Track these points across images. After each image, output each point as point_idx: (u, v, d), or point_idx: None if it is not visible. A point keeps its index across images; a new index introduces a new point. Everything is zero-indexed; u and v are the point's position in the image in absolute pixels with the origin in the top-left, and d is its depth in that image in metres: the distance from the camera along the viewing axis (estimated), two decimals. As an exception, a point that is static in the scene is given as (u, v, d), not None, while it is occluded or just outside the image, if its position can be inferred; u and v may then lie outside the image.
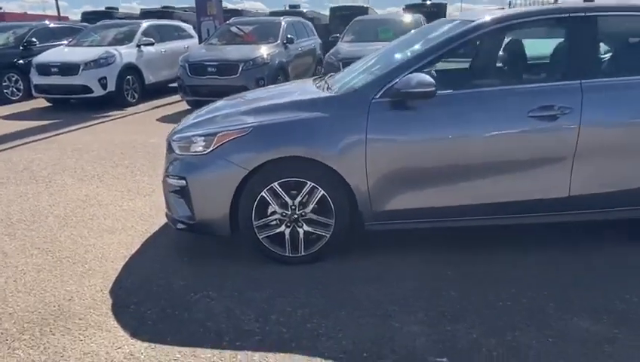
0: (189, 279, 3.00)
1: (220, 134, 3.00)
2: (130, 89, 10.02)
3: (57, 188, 4.88)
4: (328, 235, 3.07)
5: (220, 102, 3.83)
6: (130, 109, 9.47)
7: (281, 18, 10.63)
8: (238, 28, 10.50)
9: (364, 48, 8.84)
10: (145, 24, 11.01)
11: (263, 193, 2.99)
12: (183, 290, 2.87)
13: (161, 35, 11.22)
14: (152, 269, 3.15)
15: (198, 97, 9.03)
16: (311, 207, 3.03)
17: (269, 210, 3.08)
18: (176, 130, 3.36)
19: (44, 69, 9.60)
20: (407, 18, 10.17)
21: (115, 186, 4.88)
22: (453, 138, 2.93)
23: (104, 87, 9.52)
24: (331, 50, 9.26)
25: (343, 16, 19.31)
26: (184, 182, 3.07)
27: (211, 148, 3.01)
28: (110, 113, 9.09)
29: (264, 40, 9.72)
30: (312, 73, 11.01)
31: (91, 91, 9.47)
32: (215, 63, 8.82)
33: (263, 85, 8.60)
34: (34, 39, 11.10)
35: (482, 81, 3.06)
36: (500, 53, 3.40)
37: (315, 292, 2.80)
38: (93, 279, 3.05)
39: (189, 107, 9.34)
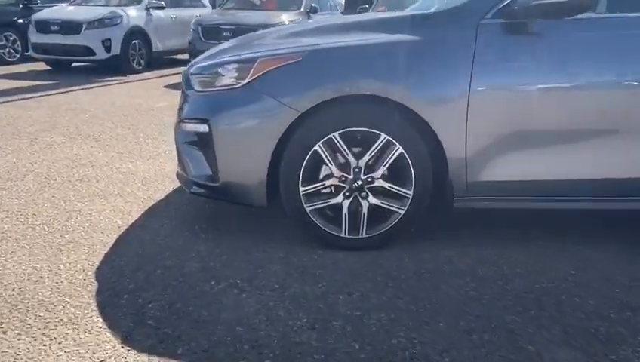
0: (208, 261, 2.15)
1: (262, 60, 2.13)
2: (137, 55, 9.11)
3: (44, 145, 4.02)
4: (402, 211, 2.20)
5: (255, 33, 2.95)
6: (135, 76, 8.58)
7: (303, -14, 9.72)
8: (258, -6, 9.59)
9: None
10: (156, -14, 10.10)
11: (317, 146, 2.12)
12: (200, 277, 2.02)
13: (172, 0, 10.32)
14: (156, 245, 2.29)
15: (212, 65, 8.18)
16: (382, 170, 2.16)
17: (323, 172, 2.21)
18: (197, 61, 2.49)
19: (44, 27, 8.70)
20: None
21: (113, 147, 4.01)
22: (600, 81, 2.06)
23: (108, 49, 8.62)
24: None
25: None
26: (206, 126, 2.20)
27: (247, 80, 2.14)
28: (114, 78, 8.21)
29: (286, 8, 8.83)
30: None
31: (94, 53, 8.58)
32: (231, 27, 7.92)
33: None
34: (36, -4, 10.21)
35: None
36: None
37: (391, 290, 1.94)
38: (73, 254, 2.20)
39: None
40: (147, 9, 9.41)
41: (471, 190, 2.19)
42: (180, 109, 2.40)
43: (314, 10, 8.91)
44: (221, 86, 2.21)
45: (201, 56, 2.61)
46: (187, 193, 2.41)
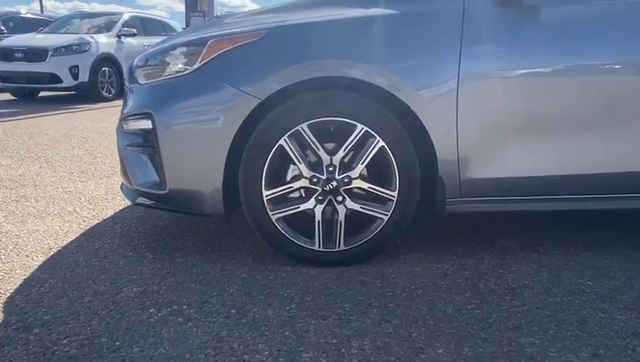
0: (151, 285, 1.75)
1: (215, 40, 1.79)
2: (107, 82, 8.78)
3: (-15, 167, 3.59)
4: (386, 217, 1.85)
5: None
6: (105, 104, 8.21)
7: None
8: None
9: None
10: (127, 15, 9.89)
11: (282, 141, 1.77)
12: (137, 304, 1.61)
13: (145, 28, 10.10)
14: (90, 268, 1.88)
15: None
16: (360, 168, 1.82)
17: (291, 173, 1.86)
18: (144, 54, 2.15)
19: (8, 54, 8.33)
20: None
21: (64, 168, 3.60)
22: (608, 62, 1.78)
23: (75, 77, 8.27)
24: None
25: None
26: (149, 122, 1.84)
27: (198, 65, 1.80)
28: (81, 106, 7.82)
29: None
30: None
31: (60, 81, 8.21)
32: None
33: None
34: (2, 27, 9.89)
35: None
36: None
37: (375, 311, 1.56)
38: (-16, 282, 1.78)
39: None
40: (118, 36, 9.16)
41: (466, 190, 1.86)
42: (123, 110, 2.04)
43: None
44: (169, 73, 1.87)
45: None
46: (138, 210, 2.04)
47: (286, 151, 1.78)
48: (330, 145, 1.82)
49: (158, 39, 10.22)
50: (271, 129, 1.76)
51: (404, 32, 1.77)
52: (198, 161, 1.81)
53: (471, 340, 1.41)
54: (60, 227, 2.34)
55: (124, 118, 2.00)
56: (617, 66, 1.81)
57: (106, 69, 8.72)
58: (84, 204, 2.71)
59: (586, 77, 1.80)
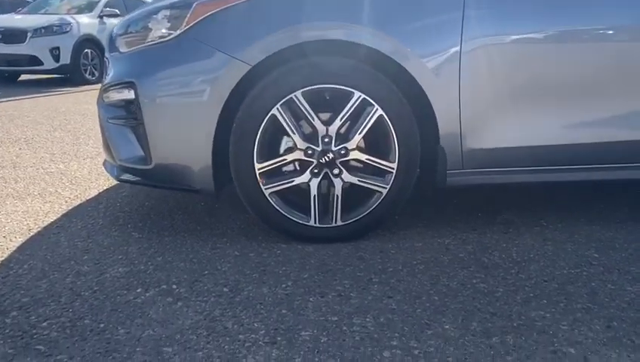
0: (138, 264, 1.64)
1: (200, 3, 1.66)
2: (89, 64, 8.53)
3: (-39, 150, 3.44)
4: (385, 190, 1.76)
5: None
6: (88, 87, 7.98)
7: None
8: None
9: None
10: (109, -6, 9.57)
11: (274, 110, 1.66)
12: (122, 284, 1.51)
13: (128, 8, 9.77)
14: (73, 248, 1.77)
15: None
16: (357, 139, 1.72)
17: (284, 145, 1.76)
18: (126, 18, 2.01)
19: (-15, 36, 8.05)
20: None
21: (45, 149, 3.46)
22: (614, 27, 1.69)
23: (57, 59, 8.02)
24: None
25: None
26: (132, 91, 1.72)
27: (182, 29, 1.68)
28: (64, 88, 7.59)
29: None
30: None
31: (41, 63, 7.95)
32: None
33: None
34: (-22, 8, 9.54)
35: None
36: None
37: (377, 287, 1.48)
38: (-43, 265, 1.67)
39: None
40: (100, 17, 8.88)
41: (469, 160, 1.77)
42: (103, 79, 1.92)
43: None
44: (153, 39, 1.74)
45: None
46: (124, 190, 1.93)
47: (279, 121, 1.68)
48: (325, 115, 1.72)
49: (141, 20, 10.00)
50: (262, 98, 1.66)
51: (401, -7, 1.66)
52: (185, 133, 1.70)
53: (478, 315, 1.33)
54: (40, 208, 2.22)
55: (104, 89, 1.87)
56: (623, 32, 1.72)
57: (89, 50, 8.45)
58: (67, 184, 2.59)
59: (593, 43, 1.72)
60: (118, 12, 9.17)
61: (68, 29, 8.19)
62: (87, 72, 8.48)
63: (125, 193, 2.39)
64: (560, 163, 1.83)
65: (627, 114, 1.79)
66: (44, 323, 1.30)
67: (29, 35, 7.90)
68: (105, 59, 1.99)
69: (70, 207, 2.23)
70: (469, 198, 2.21)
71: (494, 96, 1.72)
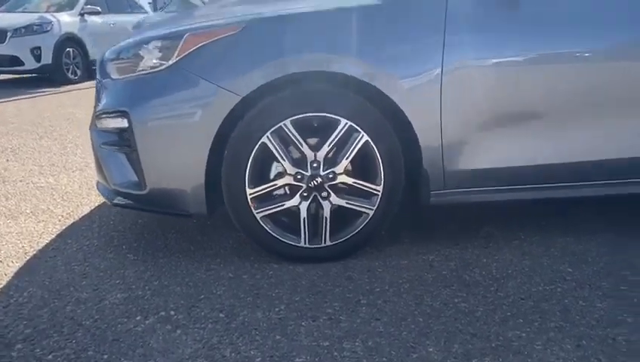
0: (136, 290, 1.71)
1: (191, 34, 1.72)
2: (72, 64, 8.44)
3: (-53, 162, 3.43)
4: (371, 212, 1.85)
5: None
6: (71, 87, 7.90)
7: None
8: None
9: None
10: (90, -9, 9.43)
11: (264, 138, 1.73)
12: (123, 311, 1.58)
13: (109, 5, 9.68)
14: (70, 273, 1.83)
15: (154, 71, 7.64)
16: (345, 163, 1.80)
17: (274, 170, 1.83)
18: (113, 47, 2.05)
19: (-37, 36, 7.91)
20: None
21: (33, 160, 3.47)
22: (589, 54, 1.79)
23: (38, 58, 7.91)
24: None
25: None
26: (125, 120, 1.77)
27: (174, 60, 1.73)
28: (46, 89, 7.51)
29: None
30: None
31: (22, 63, 7.84)
32: (174, 30, 7.42)
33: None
34: (-46, 7, 9.33)
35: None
36: None
37: (365, 309, 1.57)
38: (-43, 293, 1.71)
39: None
40: (81, 15, 8.77)
41: (451, 181, 1.86)
42: (96, 107, 1.96)
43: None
44: (144, 68, 1.79)
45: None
46: (117, 207, 1.97)
47: (269, 148, 1.75)
48: (313, 140, 1.80)
49: (123, 17, 9.87)
50: (253, 126, 1.72)
51: (386, 23, 1.73)
52: (178, 160, 1.76)
53: (460, 336, 1.43)
54: (34, 228, 2.26)
55: (97, 116, 1.92)
56: (598, 56, 1.82)
57: (70, 49, 8.36)
58: (58, 200, 2.63)
59: (569, 66, 1.81)
60: (99, 9, 9.07)
61: (49, 28, 8.09)
62: (70, 72, 8.40)
63: (117, 210, 2.43)
64: (538, 181, 1.93)
65: (601, 135, 1.89)
66: (50, 356, 1.36)
67: (9, 34, 7.78)
68: (97, 83, 2.03)
69: (64, 227, 2.28)
70: (451, 211, 2.31)
71: (475, 120, 1.80)
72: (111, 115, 1.83)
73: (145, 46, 1.80)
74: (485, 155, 1.85)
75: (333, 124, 1.75)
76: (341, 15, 1.73)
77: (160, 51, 1.76)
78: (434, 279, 1.76)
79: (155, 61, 1.77)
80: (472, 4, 1.75)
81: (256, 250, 1.93)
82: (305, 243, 1.85)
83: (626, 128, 1.88)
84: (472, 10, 1.74)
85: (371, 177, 1.83)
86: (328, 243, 1.86)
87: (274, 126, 1.72)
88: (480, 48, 1.77)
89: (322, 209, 1.83)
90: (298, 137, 1.75)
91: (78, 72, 8.56)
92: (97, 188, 2.13)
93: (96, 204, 2.56)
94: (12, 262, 1.93)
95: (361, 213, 1.85)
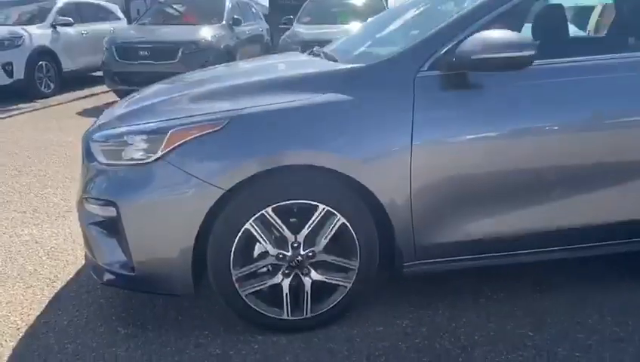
0: (128, 371, 1.81)
1: (175, 130, 1.81)
2: (45, 77, 8.32)
3: None
4: (349, 284, 1.99)
5: (156, 86, 2.62)
6: (44, 101, 7.81)
7: (225, -5, 9.29)
8: (174, 7, 9.08)
9: (325, 31, 7.80)
10: (61, 1, 9.26)
11: (248, 225, 1.85)
12: (118, 397, 1.68)
13: (81, 15, 9.54)
14: (62, 355, 1.91)
15: (129, 86, 7.56)
16: (323, 243, 1.93)
17: (257, 250, 1.94)
18: (98, 125, 2.13)
19: None
20: (367, 0, 9.16)
21: (13, 204, 3.50)
22: (545, 130, 1.94)
23: (10, 74, 7.79)
24: (287, 33, 8.07)
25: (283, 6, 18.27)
26: (114, 209, 1.86)
27: (159, 154, 1.82)
28: (20, 106, 7.41)
29: (207, 21, 8.39)
30: (261, 61, 9.82)
31: (-7, 80, 7.72)
32: (148, 46, 7.38)
33: (209, 72, 7.35)
34: None
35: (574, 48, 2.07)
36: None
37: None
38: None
39: (118, 98, 7.86)
40: (53, 26, 8.63)
41: (421, 254, 2.01)
42: (84, 186, 2.03)
43: (237, 23, 8.53)
44: (129, 160, 1.88)
45: (102, 118, 2.25)
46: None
47: (252, 233, 1.86)
48: (293, 220, 1.92)
49: (96, 25, 9.75)
50: (236, 215, 1.84)
51: (358, 118, 1.85)
52: (166, 247, 1.86)
53: (430, 417, 1.58)
54: (22, 295, 2.33)
55: (86, 198, 2.00)
56: (546, 136, 1.97)
57: (43, 63, 8.25)
58: (44, 259, 2.69)
59: (520, 146, 1.96)
60: (72, 20, 8.95)
61: (20, 43, 7.96)
62: (43, 85, 8.29)
63: (104, 270, 2.51)
64: (505, 249, 2.09)
65: (558, 206, 2.05)
66: None
67: (-21, 51, 7.64)
68: (82, 164, 2.10)
69: (52, 293, 2.35)
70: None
71: (442, 199, 1.95)
72: (99, 202, 1.91)
73: (132, 136, 1.88)
74: (453, 229, 1.99)
75: (312, 209, 1.87)
76: (317, 111, 1.84)
77: (146, 143, 1.85)
78: (407, 348, 1.91)
79: (141, 153, 1.85)
80: (437, 99, 1.89)
81: (243, 322, 2.04)
82: (288, 316, 1.97)
83: (581, 200, 2.05)
84: (437, 104, 1.87)
85: (348, 253, 1.96)
86: (310, 314, 1.99)
87: (256, 213, 1.84)
88: (444, 135, 1.91)
89: (303, 284, 1.95)
90: (279, 222, 1.87)
91: (52, 85, 8.46)
92: (85, 258, 2.21)
93: (82, 262, 2.63)
94: (6, 340, 2.00)
95: (338, 286, 1.99)
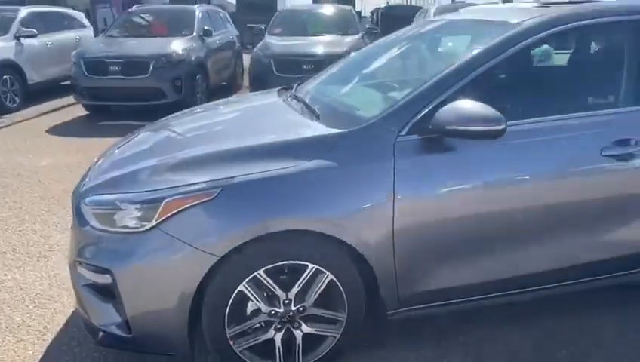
0: None
1: (169, 200, 1.88)
2: (9, 91, 8.09)
3: None
4: (338, 334, 2.10)
5: (140, 136, 2.65)
6: (9, 117, 7.61)
7: (195, 6, 9.22)
8: (143, 17, 8.96)
9: (296, 43, 7.89)
10: (24, 11, 9.02)
11: (241, 286, 1.93)
12: None
13: (45, 24, 9.30)
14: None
15: (99, 101, 7.51)
16: (313, 298, 2.03)
17: (250, 308, 2.03)
18: (87, 185, 2.16)
19: None
20: (338, 11, 9.25)
21: (-8, 243, 3.46)
22: (515, 188, 2.10)
23: (-27, 90, 7.57)
24: (259, 45, 8.10)
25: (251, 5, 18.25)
26: (109, 277, 1.91)
27: (154, 223, 1.88)
28: (-15, 123, 7.21)
29: (177, 32, 8.33)
30: (232, 70, 9.81)
31: (-46, 98, 7.49)
32: (119, 60, 7.28)
33: (180, 87, 7.31)
34: None
35: (545, 108, 2.22)
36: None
37: None
38: None
39: (87, 112, 7.74)
40: (17, 38, 8.40)
41: (404, 302, 2.13)
42: (77, 249, 2.06)
43: (207, 34, 8.50)
44: (122, 227, 1.93)
45: (91, 173, 2.29)
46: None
47: (245, 294, 1.95)
48: (284, 278, 2.01)
49: (61, 34, 9.52)
50: (230, 278, 1.92)
51: (343, 182, 1.95)
52: (162, 311, 1.92)
53: None
54: (14, 351, 2.35)
55: (79, 262, 2.04)
56: (519, 192, 2.13)
57: (7, 77, 8.03)
58: (31, 308, 2.69)
59: (495, 202, 2.11)
60: (36, 32, 8.72)
61: (-18, 57, 7.73)
62: (8, 100, 8.07)
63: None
64: (488, 292, 2.23)
65: (537, 252, 2.20)
66: None
67: (-60, 67, 7.39)
68: (73, 227, 2.14)
69: (44, 347, 2.37)
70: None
71: (423, 252, 2.07)
72: (93, 268, 1.96)
73: (126, 204, 1.93)
74: (436, 279, 2.12)
75: (302, 269, 1.98)
76: (304, 178, 1.93)
77: (140, 212, 1.91)
78: None
79: (134, 221, 1.91)
80: (416, 162, 2.00)
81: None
82: (280, 367, 2.08)
83: (558, 244, 2.21)
84: (417, 167, 1.99)
85: (336, 306, 2.07)
86: (301, 364, 2.10)
87: (249, 276, 1.93)
88: (423, 194, 2.03)
89: (295, 337, 2.05)
90: (271, 282, 1.97)
91: (17, 99, 8.24)
92: (78, 314, 2.25)
93: (70, 309, 2.65)
94: (2, 405, 2.04)
95: (327, 337, 2.10)
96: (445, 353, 2.27)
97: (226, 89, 9.33)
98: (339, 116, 2.24)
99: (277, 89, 3.16)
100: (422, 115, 2.01)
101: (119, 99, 7.41)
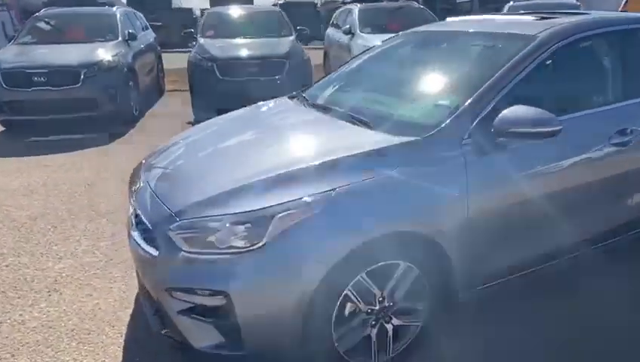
0: None
1: (281, 215, 1.94)
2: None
3: None
4: (420, 323, 2.31)
5: (197, 142, 2.63)
6: None
7: (114, 8, 8.67)
8: (56, 21, 8.23)
9: (237, 45, 7.80)
10: None
11: (347, 290, 2.06)
12: None
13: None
14: None
15: (23, 116, 6.83)
16: (402, 293, 2.22)
17: (348, 310, 2.15)
18: (168, 211, 2.11)
19: None
20: (268, 12, 9.28)
21: (-18, 285, 3.12)
22: (561, 173, 2.48)
23: None
24: (194, 49, 7.85)
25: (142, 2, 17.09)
26: (224, 299, 1.93)
27: (265, 240, 1.93)
28: None
29: (98, 36, 7.81)
30: (156, 74, 9.42)
31: None
32: (43, 70, 6.67)
33: (115, 95, 6.90)
34: None
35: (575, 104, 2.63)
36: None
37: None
38: None
39: (2, 128, 7.02)
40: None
41: (471, 284, 2.38)
42: (159, 274, 2.05)
43: (132, 37, 8.08)
44: (228, 248, 1.95)
45: (163, 189, 2.28)
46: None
47: (350, 297, 2.08)
48: (379, 278, 2.15)
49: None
50: (337, 284, 2.04)
51: (426, 186, 2.16)
52: (276, 324, 1.98)
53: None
54: (85, 392, 2.22)
55: (173, 288, 2.01)
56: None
57: None
58: (74, 345, 2.52)
59: (557, 195, 2.46)
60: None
61: None
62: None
63: None
64: (538, 265, 2.58)
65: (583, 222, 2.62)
66: None
67: None
68: (141, 259, 2.11)
69: (116, 382, 2.28)
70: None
71: (492, 239, 2.34)
72: (204, 293, 1.96)
73: (226, 224, 1.96)
74: (496, 261, 2.41)
75: (395, 267, 2.15)
76: (393, 185, 2.11)
77: (246, 231, 1.94)
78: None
79: (242, 241, 1.94)
80: (482, 169, 2.25)
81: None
82: (375, 359, 2.24)
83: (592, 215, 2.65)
84: (481, 162, 2.25)
85: (417, 297, 2.27)
86: (392, 354, 2.27)
87: (354, 280, 2.06)
88: (492, 186, 2.30)
89: (386, 330, 2.23)
90: (370, 282, 2.12)
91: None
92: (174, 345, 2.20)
93: (120, 341, 2.54)
94: None
95: (410, 326, 2.30)
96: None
97: (152, 93, 8.97)
98: (398, 125, 2.41)
99: (286, 97, 3.30)
100: (479, 118, 2.28)
101: (47, 112, 6.78)
